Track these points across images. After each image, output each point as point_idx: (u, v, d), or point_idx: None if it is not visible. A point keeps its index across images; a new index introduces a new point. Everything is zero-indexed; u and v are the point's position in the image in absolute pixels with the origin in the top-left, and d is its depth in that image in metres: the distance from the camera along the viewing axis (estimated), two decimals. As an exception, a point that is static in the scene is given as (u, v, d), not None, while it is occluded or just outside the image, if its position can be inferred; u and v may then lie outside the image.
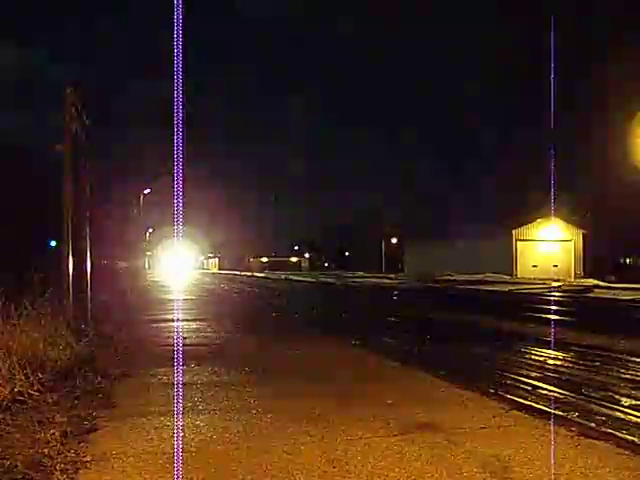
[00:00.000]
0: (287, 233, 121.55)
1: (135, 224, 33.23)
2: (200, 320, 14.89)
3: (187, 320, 15.11)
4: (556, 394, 7.09)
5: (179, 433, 4.93)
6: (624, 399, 6.83)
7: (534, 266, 54.66)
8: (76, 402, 5.90)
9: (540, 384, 7.66)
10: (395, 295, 29.99)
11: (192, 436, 4.85)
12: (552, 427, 5.15)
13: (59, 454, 4.31)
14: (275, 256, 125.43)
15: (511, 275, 52.04)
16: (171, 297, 25.42)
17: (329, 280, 51.41)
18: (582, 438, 4.87)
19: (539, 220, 55.67)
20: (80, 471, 4.07)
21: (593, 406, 6.49)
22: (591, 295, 29.26)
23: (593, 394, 7.07)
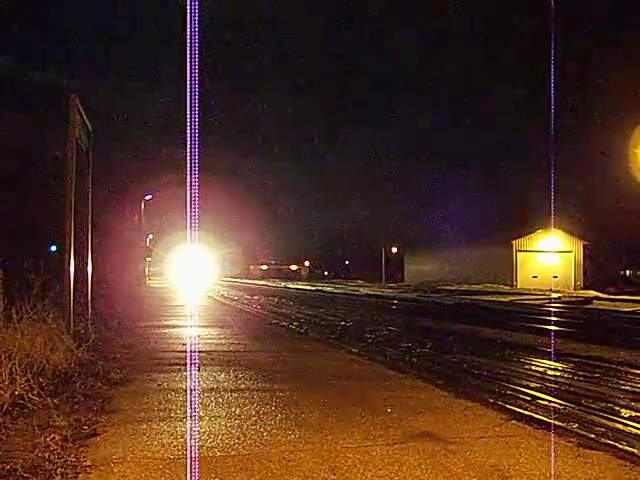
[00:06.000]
0: (287, 241, 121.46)
1: (136, 230, 33.27)
2: (200, 326, 14.91)
3: (187, 326, 15.12)
4: (556, 405, 7.09)
5: (179, 439, 4.93)
6: (624, 410, 6.83)
7: (534, 277, 54.64)
8: (76, 407, 5.90)
9: (540, 394, 7.66)
10: (395, 305, 29.98)
11: (192, 442, 4.85)
12: (552, 437, 5.16)
13: (59, 458, 4.31)
14: (275, 264, 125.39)
15: (511, 286, 52.03)
16: (171, 303, 25.41)
17: (328, 288, 51.39)
18: (582, 449, 4.87)
19: (539, 231, 55.74)
20: (80, 475, 4.07)
21: (593, 417, 6.49)
22: (591, 306, 29.25)
23: (593, 405, 7.07)
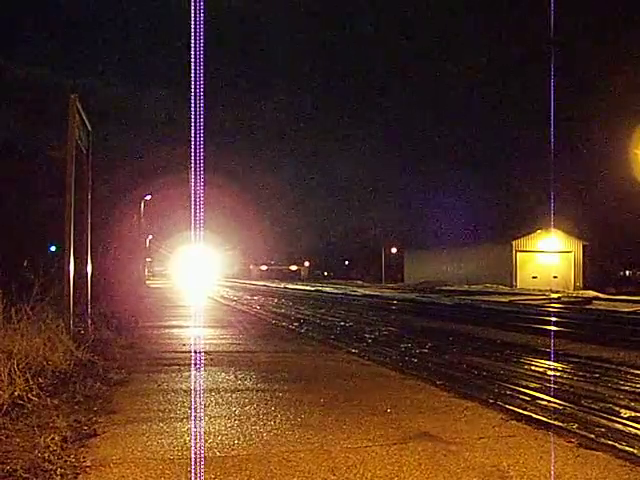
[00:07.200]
0: (287, 241, 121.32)
1: (136, 230, 33.26)
2: (200, 326, 14.90)
3: (187, 327, 15.11)
4: (556, 405, 7.09)
5: (179, 439, 4.93)
6: (624, 410, 6.83)
7: (534, 277, 54.67)
8: (76, 407, 5.89)
9: (540, 395, 7.66)
10: (394, 305, 29.96)
11: (192, 443, 4.85)
12: (552, 437, 5.15)
13: (59, 459, 4.30)
14: (274, 264, 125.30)
15: (511, 286, 52.04)
16: (171, 304, 25.40)
17: (328, 289, 51.38)
18: (582, 449, 4.86)
19: (539, 231, 55.77)
20: (80, 476, 4.06)
21: (593, 417, 6.49)
22: (591, 307, 29.24)
23: (593, 405, 7.07)
